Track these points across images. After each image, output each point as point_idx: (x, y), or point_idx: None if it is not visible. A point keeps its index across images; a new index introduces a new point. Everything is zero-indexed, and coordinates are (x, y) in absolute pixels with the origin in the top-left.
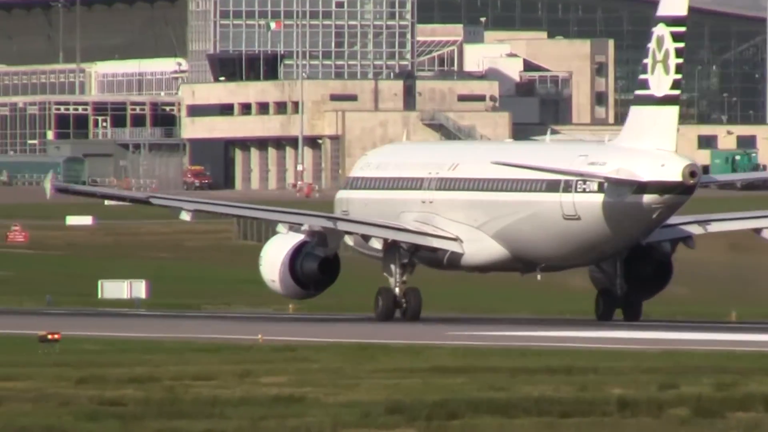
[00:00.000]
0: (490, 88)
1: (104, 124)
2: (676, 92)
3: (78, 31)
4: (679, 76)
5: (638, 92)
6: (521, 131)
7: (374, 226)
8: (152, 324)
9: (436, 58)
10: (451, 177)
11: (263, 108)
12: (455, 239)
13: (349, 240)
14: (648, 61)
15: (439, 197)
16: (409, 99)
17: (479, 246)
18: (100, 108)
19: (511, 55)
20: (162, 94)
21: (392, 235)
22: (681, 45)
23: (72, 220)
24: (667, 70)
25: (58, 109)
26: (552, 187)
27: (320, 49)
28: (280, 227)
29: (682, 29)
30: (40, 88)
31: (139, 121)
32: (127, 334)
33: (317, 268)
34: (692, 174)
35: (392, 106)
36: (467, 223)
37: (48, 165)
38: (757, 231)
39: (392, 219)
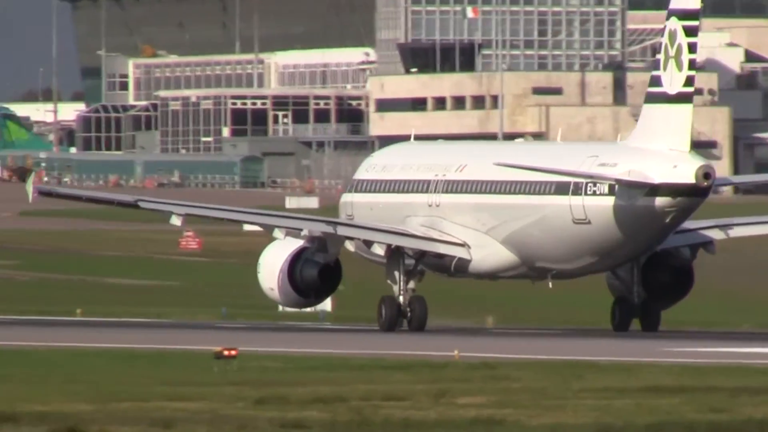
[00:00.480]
0: (709, 81)
1: (285, 119)
2: (690, 89)
3: (256, 18)
4: (692, 73)
5: (650, 89)
6: (742, 128)
7: (376, 231)
8: (337, 339)
9: (648, 47)
10: (459, 179)
11: (459, 102)
12: (462, 245)
13: (350, 246)
14: (660, 56)
15: (446, 200)
16: (619, 92)
17: (487, 252)
18: (280, 102)
19: (732, 44)
20: (348, 87)
21: (395, 241)
22: (695, 39)
23: (249, 226)
24: (680, 67)
25: (235, 104)
26: (561, 189)
27: (521, 38)
28: (277, 232)
29: (696, 23)
30: (215, 80)
31: (322, 116)
32: (310, 349)
33: (317, 276)
34: (706, 176)
35: (600, 100)
36: (475, 227)
37: (223, 165)
38: None
39: (398, 223)
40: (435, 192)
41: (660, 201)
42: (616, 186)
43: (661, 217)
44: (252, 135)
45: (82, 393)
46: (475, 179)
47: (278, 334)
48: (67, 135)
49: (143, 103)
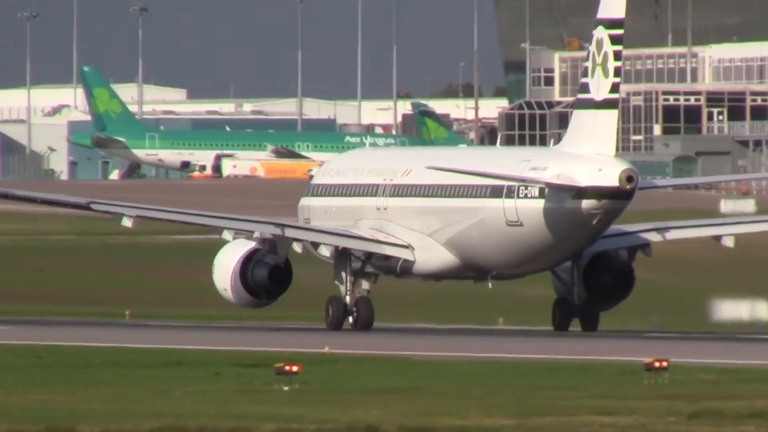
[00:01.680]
0: None
1: (720, 117)
2: (615, 96)
3: (689, 9)
4: (617, 80)
5: (579, 96)
6: None
7: (322, 233)
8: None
9: None
10: (404, 183)
11: None
12: (407, 246)
13: (296, 247)
14: (588, 64)
15: (393, 204)
16: None
17: (430, 254)
18: (714, 99)
19: None
20: None
21: (341, 242)
22: (619, 48)
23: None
24: (606, 74)
25: (666, 100)
26: (496, 192)
27: None
28: (226, 234)
29: (620, 32)
30: (646, 75)
31: (759, 113)
32: (744, 361)
33: (267, 276)
34: (629, 179)
35: None
36: (419, 230)
37: (654, 165)
38: (717, 238)
39: (349, 226)
40: (383, 196)
41: (586, 203)
42: (546, 189)
43: (589, 219)
44: (685, 133)
45: (503, 406)
46: (418, 183)
47: (710, 344)
48: (489, 133)
49: (569, 99)
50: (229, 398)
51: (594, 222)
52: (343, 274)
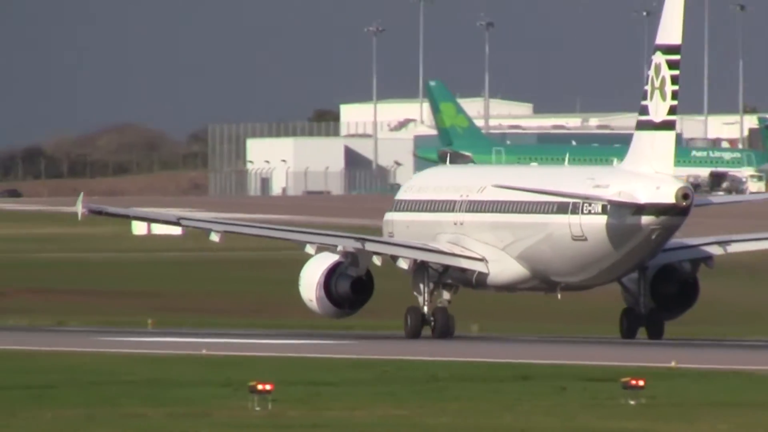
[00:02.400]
0: None
1: None
2: (673, 117)
3: None
4: (675, 102)
5: (640, 117)
6: None
7: (401, 247)
8: None
9: None
10: (478, 199)
11: None
12: (481, 260)
13: (377, 260)
14: (647, 87)
15: (469, 219)
16: None
17: (503, 266)
18: None
19: None
20: None
21: (418, 255)
22: (677, 72)
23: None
24: (664, 97)
25: None
26: (562, 209)
27: None
28: (308, 248)
29: (677, 57)
30: None
31: None
32: None
33: (350, 288)
34: (685, 196)
35: None
36: (493, 244)
37: None
38: None
39: (429, 240)
40: (459, 211)
41: (645, 219)
42: (608, 206)
43: (648, 234)
44: None
45: None
46: (491, 200)
47: None
48: None
49: None
50: (575, 412)
51: (653, 237)
52: (421, 286)
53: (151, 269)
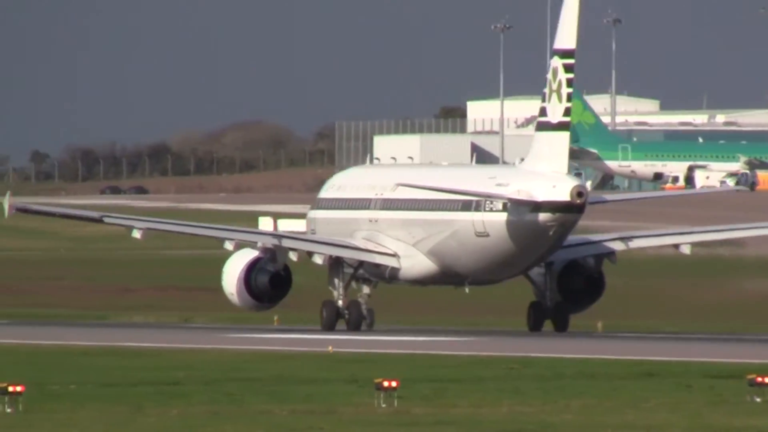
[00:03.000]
0: None
1: None
2: (568, 119)
3: None
4: (569, 105)
5: (539, 119)
6: None
7: (316, 243)
8: None
9: None
10: (391, 198)
11: None
12: (393, 255)
13: (293, 255)
14: (546, 90)
15: (383, 216)
16: None
17: (413, 261)
18: None
19: None
20: None
21: (333, 251)
22: (571, 75)
23: None
24: (560, 99)
25: None
26: (466, 206)
27: None
28: (227, 244)
29: (572, 61)
30: None
31: None
32: None
33: (268, 283)
34: (579, 194)
35: None
36: (405, 240)
37: None
38: (676, 246)
39: (347, 236)
40: (374, 209)
41: (543, 216)
42: (508, 203)
43: (545, 230)
44: None
45: None
46: (403, 198)
47: None
48: None
49: None
50: (701, 410)
51: (550, 233)
52: (336, 280)
53: None
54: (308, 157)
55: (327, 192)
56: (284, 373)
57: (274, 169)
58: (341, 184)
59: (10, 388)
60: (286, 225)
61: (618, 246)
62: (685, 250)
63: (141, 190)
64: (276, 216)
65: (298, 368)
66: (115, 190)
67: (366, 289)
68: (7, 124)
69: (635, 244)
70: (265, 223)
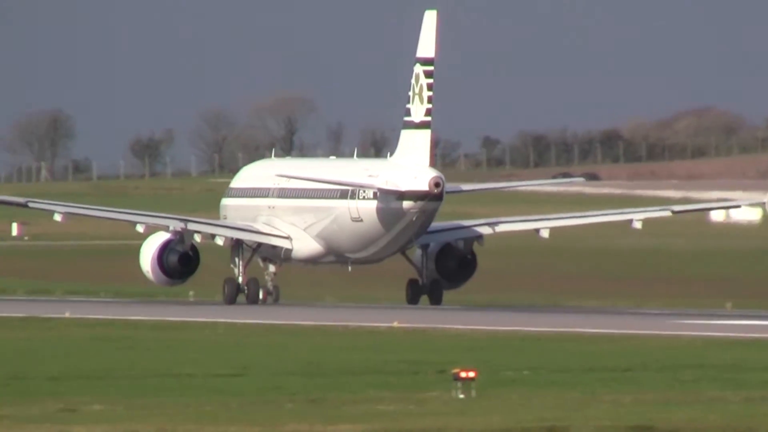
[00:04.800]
0: None
1: None
2: (428, 119)
3: None
4: (430, 106)
5: (405, 118)
6: None
7: (218, 227)
8: None
9: None
10: (286, 187)
11: None
12: (287, 237)
13: (198, 237)
14: (410, 93)
15: (279, 204)
16: None
17: (303, 243)
18: None
19: None
20: None
21: (233, 234)
22: (431, 81)
23: None
24: (422, 101)
25: None
26: (344, 195)
27: None
28: (138, 227)
29: (432, 68)
30: None
31: None
32: None
33: (178, 262)
34: (436, 185)
35: None
36: (297, 225)
37: None
38: (537, 231)
39: (251, 221)
40: (272, 197)
41: (406, 204)
42: (378, 192)
43: (409, 216)
44: None
45: None
46: (294, 187)
47: None
48: None
49: None
50: None
51: (414, 219)
52: (237, 259)
53: (726, 256)
54: (761, 144)
55: (236, 182)
56: (739, 360)
57: (725, 156)
58: (248, 175)
59: (463, 374)
60: None
61: (486, 230)
62: (544, 234)
63: (593, 177)
64: None
65: (754, 356)
66: (567, 177)
67: (272, 268)
68: (460, 112)
69: (501, 228)
70: None
